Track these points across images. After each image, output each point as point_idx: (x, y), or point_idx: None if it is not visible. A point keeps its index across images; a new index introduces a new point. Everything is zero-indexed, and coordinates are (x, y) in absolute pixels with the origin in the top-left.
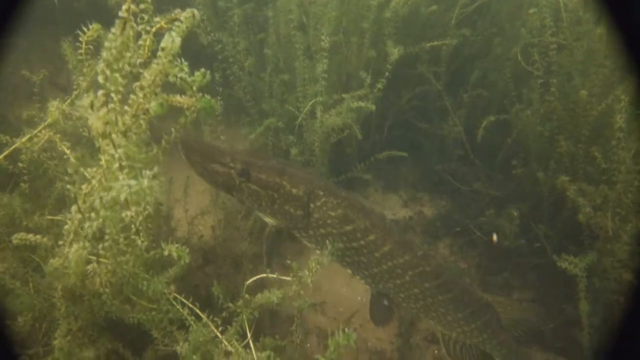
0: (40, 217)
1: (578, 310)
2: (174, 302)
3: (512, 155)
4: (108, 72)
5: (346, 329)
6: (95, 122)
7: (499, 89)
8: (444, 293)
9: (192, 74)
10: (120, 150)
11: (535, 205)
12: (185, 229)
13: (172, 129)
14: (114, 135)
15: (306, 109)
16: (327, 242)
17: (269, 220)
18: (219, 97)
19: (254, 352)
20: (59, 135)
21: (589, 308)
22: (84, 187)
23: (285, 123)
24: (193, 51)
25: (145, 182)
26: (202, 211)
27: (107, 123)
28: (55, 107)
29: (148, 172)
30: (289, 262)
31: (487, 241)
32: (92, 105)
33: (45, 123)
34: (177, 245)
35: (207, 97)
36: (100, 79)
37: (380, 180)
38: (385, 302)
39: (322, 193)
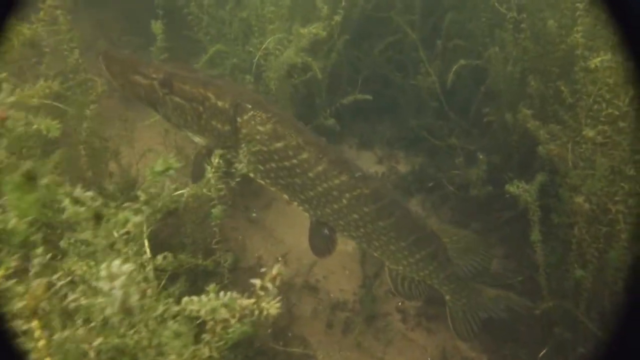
0: None
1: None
2: None
3: (486, 106)
4: None
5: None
6: None
7: (477, 39)
8: (385, 218)
9: None
10: None
11: (508, 156)
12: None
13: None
14: None
15: (263, 46)
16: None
17: (198, 139)
18: (159, 21)
19: (148, 252)
20: None
21: (541, 239)
22: None
23: (245, 65)
24: None
25: None
26: (149, 148)
27: None
28: None
29: None
30: (254, 215)
31: (459, 195)
32: None
33: None
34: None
35: None
36: None
37: (355, 137)
38: (326, 231)
39: (250, 106)
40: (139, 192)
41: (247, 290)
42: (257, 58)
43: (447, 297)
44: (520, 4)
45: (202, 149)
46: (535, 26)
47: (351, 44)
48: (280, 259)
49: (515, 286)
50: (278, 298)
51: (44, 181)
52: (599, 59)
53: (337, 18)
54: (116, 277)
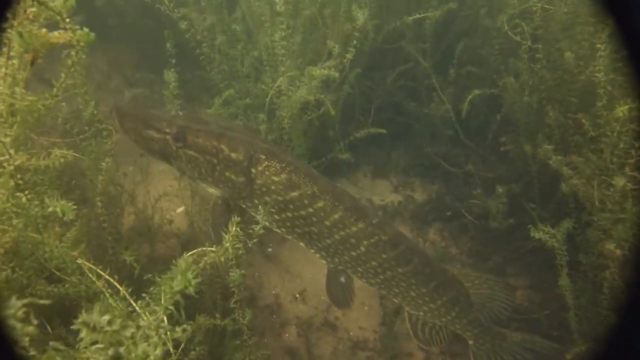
0: None
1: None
2: (88, 273)
3: (502, 134)
4: None
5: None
6: None
7: (490, 66)
8: (404, 265)
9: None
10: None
11: (528, 184)
12: (160, 215)
13: (62, 74)
14: None
15: (276, 85)
16: (273, 210)
17: (212, 190)
18: (172, 70)
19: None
20: None
21: (570, 284)
22: None
23: (259, 102)
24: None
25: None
26: (164, 192)
27: None
28: None
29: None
30: (270, 250)
31: (479, 225)
32: None
33: None
34: (69, 202)
35: (85, 29)
36: None
37: (370, 166)
38: (343, 280)
39: (264, 157)
40: (158, 309)
41: (264, 332)
42: (269, 97)
43: (471, 342)
44: (536, 33)
45: (217, 199)
46: (552, 55)
47: (363, 75)
48: (297, 296)
49: (541, 320)
50: None
51: None
52: (626, 106)
53: (349, 56)
54: None
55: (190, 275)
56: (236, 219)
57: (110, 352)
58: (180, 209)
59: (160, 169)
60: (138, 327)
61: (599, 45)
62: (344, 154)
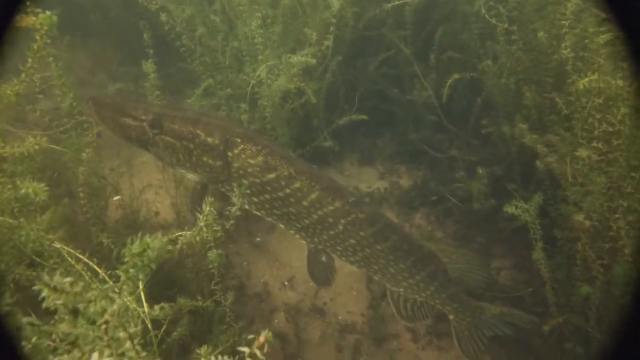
0: None
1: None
2: (67, 256)
3: (484, 117)
4: None
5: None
6: None
7: (470, 50)
8: (382, 241)
9: None
10: None
11: (509, 166)
12: (146, 207)
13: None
14: None
15: (256, 74)
16: (250, 192)
17: (191, 176)
18: (150, 60)
19: (145, 306)
20: None
21: (545, 258)
22: None
23: (241, 92)
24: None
25: None
26: (148, 183)
27: None
28: None
29: None
30: (258, 239)
31: (463, 207)
32: None
33: None
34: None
35: (47, 12)
36: None
37: (356, 154)
38: (323, 259)
39: (239, 140)
40: (120, 272)
41: (254, 319)
42: (250, 86)
43: (452, 317)
44: (511, 15)
45: (196, 184)
46: (527, 37)
47: (345, 63)
48: (286, 283)
49: (525, 298)
50: None
51: None
52: (587, 79)
53: (327, 43)
54: None
55: (148, 240)
56: (210, 199)
57: (70, 306)
58: (116, 197)
59: (144, 159)
60: (100, 290)
61: (563, 22)
62: (327, 142)
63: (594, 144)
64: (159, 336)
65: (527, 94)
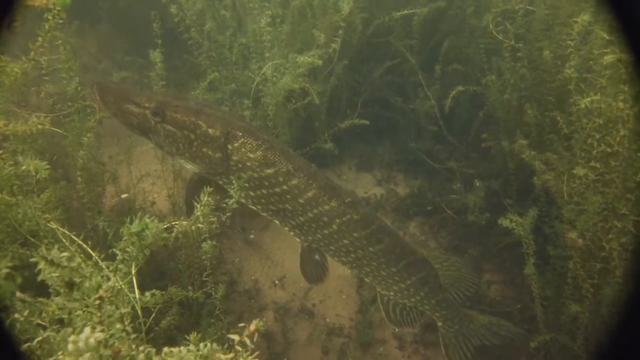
0: None
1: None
2: (61, 237)
3: (484, 131)
4: None
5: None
6: None
7: (475, 64)
8: (375, 244)
9: None
10: None
11: (506, 181)
12: (143, 196)
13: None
14: None
15: (262, 72)
16: (248, 187)
17: (189, 166)
18: (157, 50)
19: (137, 291)
20: None
21: (537, 274)
22: None
23: (245, 89)
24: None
25: None
26: (146, 172)
27: None
28: None
29: None
30: (252, 236)
31: (458, 219)
32: None
33: None
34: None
35: None
36: None
37: (355, 159)
38: (317, 257)
39: (240, 134)
40: (116, 251)
41: (242, 316)
42: (255, 83)
43: (440, 324)
44: (518, 32)
45: (194, 175)
46: (532, 55)
47: (350, 68)
48: (277, 282)
49: (513, 314)
50: (256, 353)
51: None
52: (589, 99)
53: (335, 46)
54: (83, 351)
55: (148, 220)
56: (209, 189)
57: (66, 279)
58: (125, 195)
59: (144, 148)
60: (96, 266)
61: (569, 42)
62: (328, 144)
63: (592, 163)
64: (148, 324)
65: (529, 111)
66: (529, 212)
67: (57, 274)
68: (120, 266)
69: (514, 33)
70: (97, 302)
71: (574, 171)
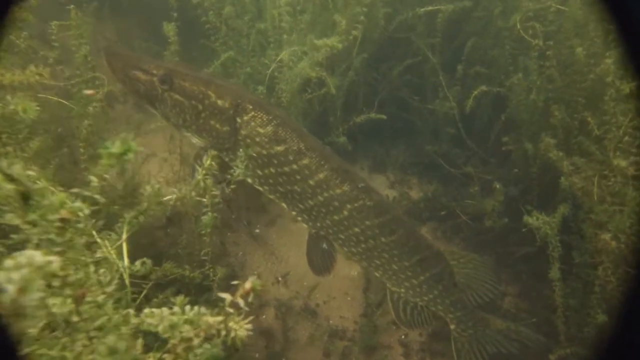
0: None
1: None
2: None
3: (505, 136)
4: None
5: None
6: None
7: (499, 67)
8: (387, 234)
9: None
10: None
11: (527, 188)
12: (147, 178)
13: None
14: None
15: (278, 58)
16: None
17: (196, 140)
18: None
19: (125, 258)
20: None
21: (560, 278)
22: None
23: (260, 77)
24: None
25: None
26: (152, 153)
27: None
28: None
29: None
30: (257, 231)
31: (473, 226)
32: None
33: None
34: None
35: None
36: None
37: (368, 160)
38: (325, 246)
39: (251, 107)
40: (91, 177)
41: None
42: (271, 70)
43: (452, 327)
44: (547, 30)
45: (200, 150)
46: (562, 54)
47: (369, 64)
48: (280, 279)
49: (528, 328)
50: (250, 318)
51: None
52: (634, 83)
53: (355, 33)
54: (20, 268)
55: (132, 142)
56: (212, 152)
57: (44, 236)
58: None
59: (152, 127)
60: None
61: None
62: (341, 138)
63: (632, 158)
64: (138, 300)
65: (556, 113)
66: (559, 209)
67: (11, 187)
68: (97, 196)
69: (543, 31)
70: (58, 223)
71: (614, 162)
